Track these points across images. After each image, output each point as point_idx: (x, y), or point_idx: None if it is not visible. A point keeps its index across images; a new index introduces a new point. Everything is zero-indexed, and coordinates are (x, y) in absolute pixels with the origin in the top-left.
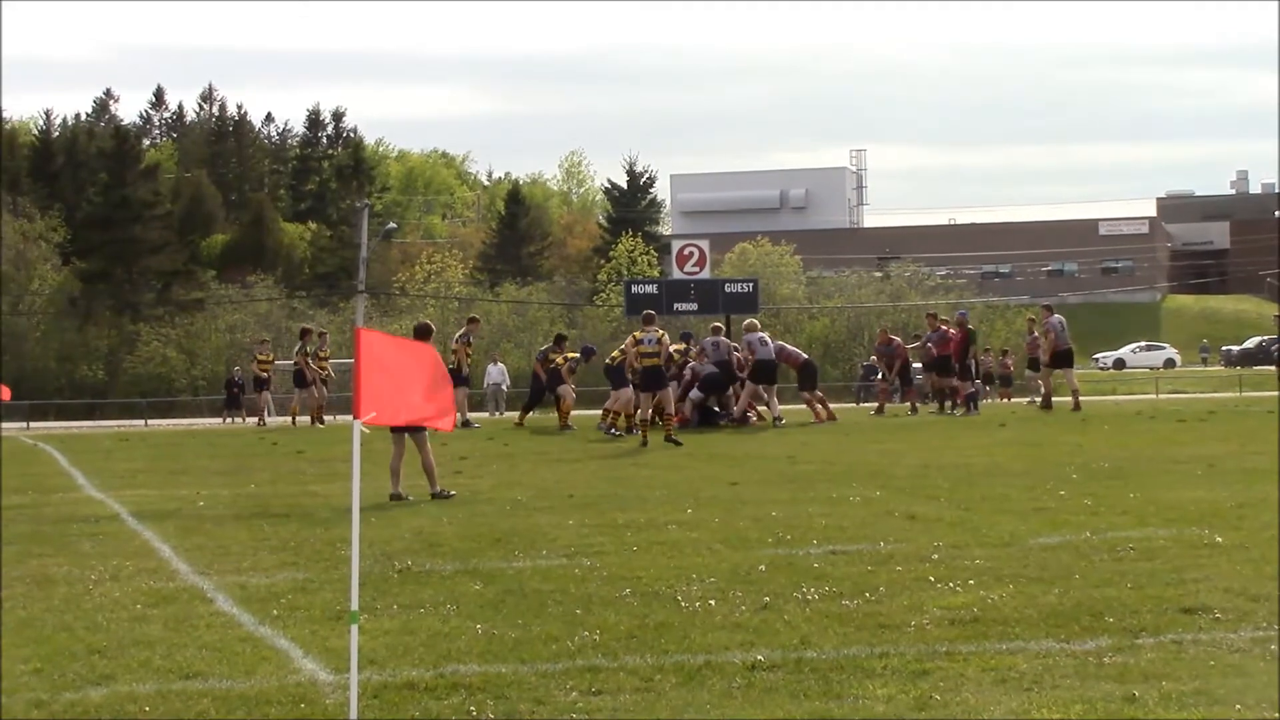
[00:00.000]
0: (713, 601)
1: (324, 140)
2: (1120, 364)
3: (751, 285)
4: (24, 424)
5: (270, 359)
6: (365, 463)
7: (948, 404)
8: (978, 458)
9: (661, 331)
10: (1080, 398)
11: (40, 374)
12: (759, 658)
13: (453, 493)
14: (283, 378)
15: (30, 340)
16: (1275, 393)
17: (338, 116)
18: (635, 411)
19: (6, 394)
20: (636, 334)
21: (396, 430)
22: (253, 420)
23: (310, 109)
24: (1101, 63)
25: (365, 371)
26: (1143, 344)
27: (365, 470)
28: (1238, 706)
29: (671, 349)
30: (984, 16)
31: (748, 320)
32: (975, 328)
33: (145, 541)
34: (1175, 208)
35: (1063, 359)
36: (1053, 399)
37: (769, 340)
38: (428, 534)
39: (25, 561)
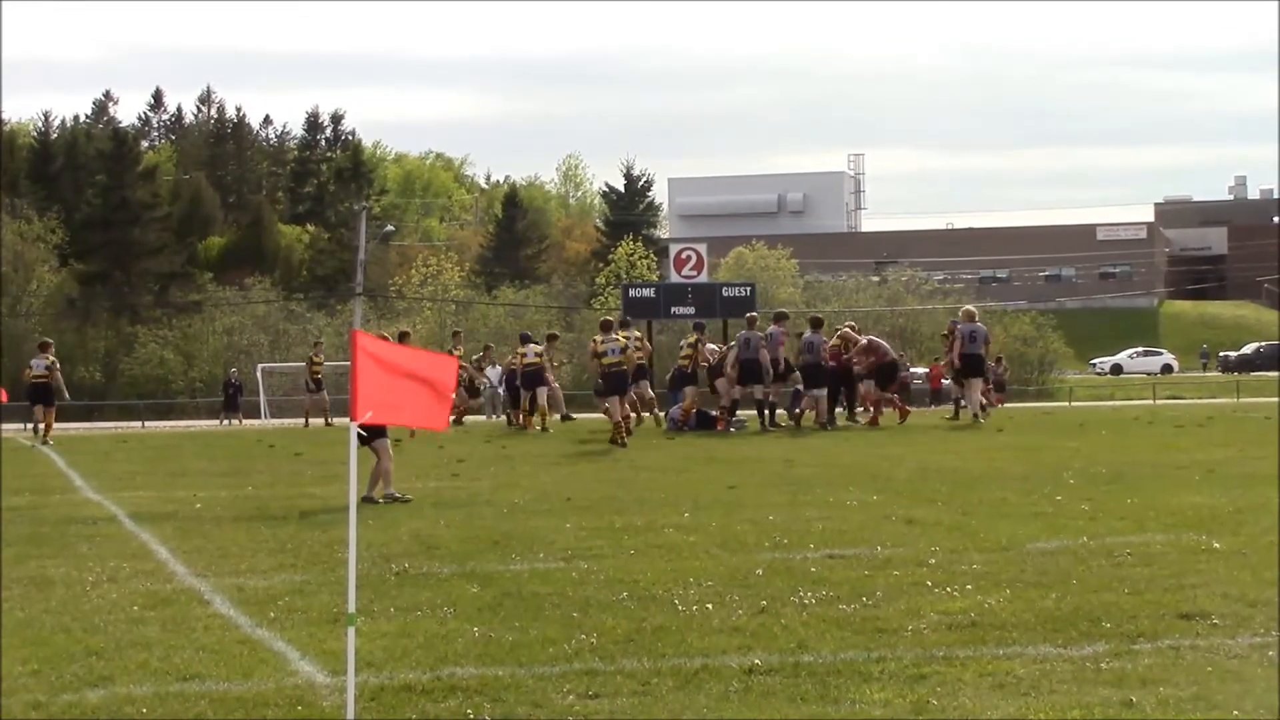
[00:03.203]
0: (710, 605)
1: (322, 143)
2: (1118, 369)
3: (749, 289)
4: (22, 425)
5: (323, 361)
6: (362, 465)
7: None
8: (976, 462)
9: (623, 339)
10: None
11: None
12: (756, 661)
13: (409, 497)
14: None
15: (29, 342)
16: (1274, 398)
17: (336, 119)
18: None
19: (3, 396)
20: (597, 341)
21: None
22: (297, 421)
23: (309, 111)
24: (1099, 67)
25: (361, 373)
26: (1140, 349)
27: (362, 473)
28: (1236, 712)
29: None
30: (981, 20)
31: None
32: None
33: (143, 543)
34: (1173, 213)
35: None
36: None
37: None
38: (425, 536)
39: (23, 563)
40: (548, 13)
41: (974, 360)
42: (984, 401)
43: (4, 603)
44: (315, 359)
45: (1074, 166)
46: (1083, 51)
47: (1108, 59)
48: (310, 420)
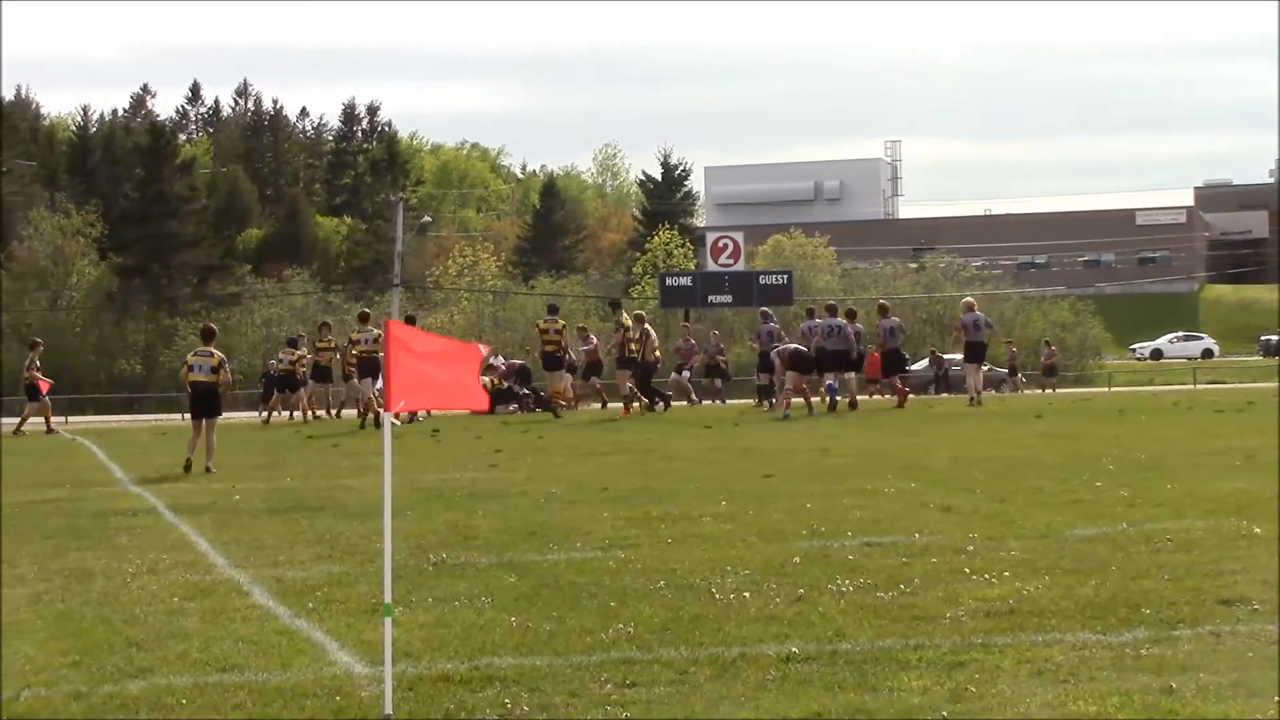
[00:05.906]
0: (747, 594)
1: (359, 134)
2: (1158, 354)
3: (786, 277)
4: (62, 418)
5: (331, 344)
6: (398, 456)
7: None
8: (1012, 450)
9: (378, 330)
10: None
11: (79, 368)
12: (793, 650)
13: (214, 470)
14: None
15: (69, 335)
16: None
17: (372, 111)
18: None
19: (46, 385)
20: (353, 334)
21: (195, 417)
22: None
23: (345, 103)
24: (1138, 53)
25: (394, 362)
26: (1180, 334)
27: (399, 464)
28: (1277, 698)
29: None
30: (1019, 9)
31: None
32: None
33: (182, 535)
34: (1213, 197)
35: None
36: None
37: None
38: (462, 527)
39: (64, 555)
40: (584, 5)
41: (978, 347)
42: (978, 391)
43: (45, 595)
44: (323, 344)
45: (1112, 152)
46: (1121, 38)
47: (1146, 45)
48: (342, 411)
